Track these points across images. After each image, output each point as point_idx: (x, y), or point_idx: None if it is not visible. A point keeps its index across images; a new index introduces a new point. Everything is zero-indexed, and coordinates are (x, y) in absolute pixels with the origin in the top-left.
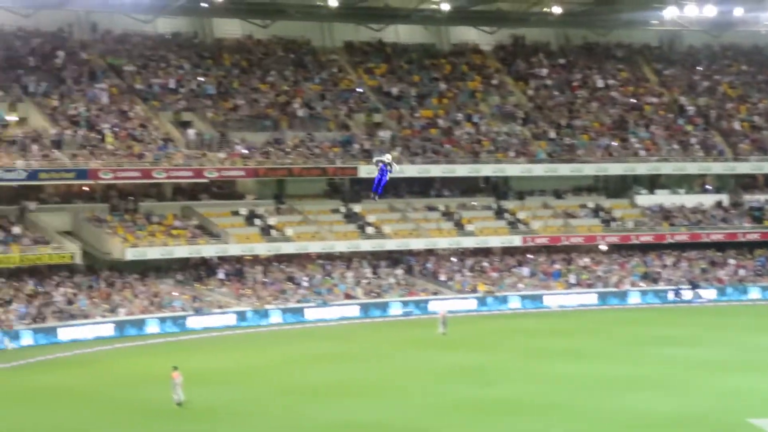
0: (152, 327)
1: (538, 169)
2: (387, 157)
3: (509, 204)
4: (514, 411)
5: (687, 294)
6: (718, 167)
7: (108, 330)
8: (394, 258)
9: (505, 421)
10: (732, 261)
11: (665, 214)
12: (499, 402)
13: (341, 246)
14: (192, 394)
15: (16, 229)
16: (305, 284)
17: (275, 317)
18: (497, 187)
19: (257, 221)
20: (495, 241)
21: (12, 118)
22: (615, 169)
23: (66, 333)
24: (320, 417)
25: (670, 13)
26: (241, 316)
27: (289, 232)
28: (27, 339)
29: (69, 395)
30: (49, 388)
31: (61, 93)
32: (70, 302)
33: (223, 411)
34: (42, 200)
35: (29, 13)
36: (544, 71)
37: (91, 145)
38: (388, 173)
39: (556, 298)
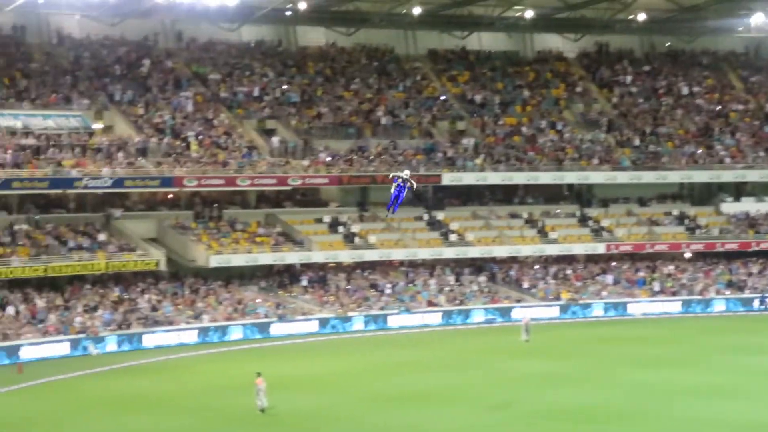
0: (236, 333)
1: (623, 177)
2: (405, 173)
3: (593, 211)
4: (596, 418)
5: None
6: None
7: (192, 336)
8: (477, 265)
9: (588, 428)
10: None
11: (751, 222)
12: (581, 409)
13: (424, 253)
14: (275, 401)
15: (102, 236)
16: (388, 291)
17: (358, 324)
18: (581, 195)
19: (341, 228)
20: (578, 249)
21: (98, 126)
22: (700, 176)
23: (150, 339)
24: (403, 424)
25: (756, 19)
26: (324, 322)
27: (373, 239)
28: (112, 345)
29: (153, 401)
30: (134, 395)
31: (146, 101)
32: (154, 309)
33: (306, 417)
34: (127, 207)
35: (115, 23)
36: (629, 78)
37: (175, 152)
38: (406, 190)
39: (640, 306)
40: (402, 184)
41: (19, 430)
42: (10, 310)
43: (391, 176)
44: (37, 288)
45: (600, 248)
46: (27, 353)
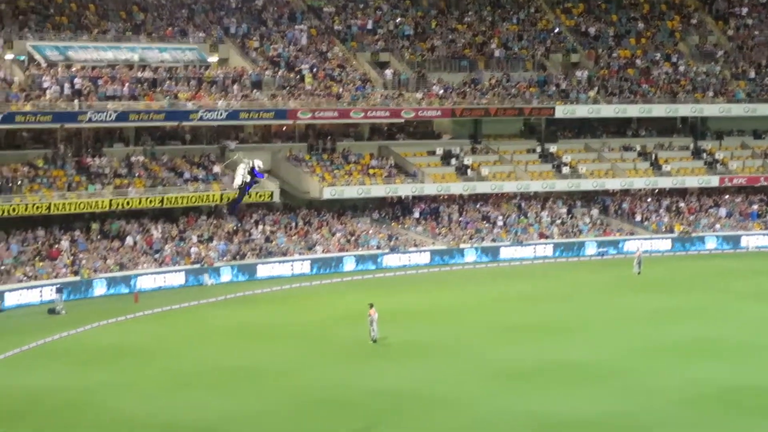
0: (349, 265)
1: (737, 109)
2: (258, 164)
3: (707, 144)
4: (711, 352)
5: None
6: None
7: (305, 267)
8: (589, 198)
9: (703, 362)
10: None
11: None
12: (696, 342)
13: (536, 186)
14: (388, 331)
15: (217, 168)
16: (500, 223)
17: (470, 256)
18: (695, 127)
19: (453, 161)
20: (692, 182)
21: (213, 59)
22: None
23: (264, 270)
24: (519, 357)
25: None
26: (436, 254)
27: (485, 171)
28: (227, 276)
29: (267, 331)
30: (248, 324)
31: (261, 34)
32: (268, 240)
33: (419, 348)
34: (242, 139)
35: None
36: (745, 10)
37: (290, 85)
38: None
39: (754, 239)
40: (249, 181)
41: (136, 358)
42: (128, 240)
43: (241, 170)
44: (153, 219)
45: (713, 181)
46: (143, 283)
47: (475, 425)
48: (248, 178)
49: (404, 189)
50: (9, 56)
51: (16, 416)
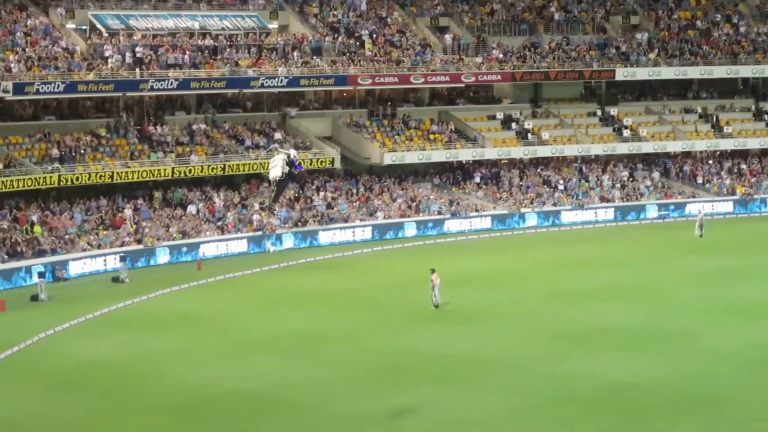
0: (410, 230)
1: None
2: (294, 154)
3: None
4: None
5: None
6: None
7: (367, 233)
8: (650, 161)
9: (765, 323)
10: None
11: None
12: (757, 304)
13: (597, 149)
14: (450, 296)
15: (278, 135)
16: (561, 187)
17: (531, 220)
18: (756, 89)
19: (513, 125)
20: (753, 143)
21: (273, 26)
22: None
23: (326, 236)
24: (581, 320)
25: None
26: (498, 219)
27: (545, 135)
28: (288, 242)
29: (329, 297)
30: (311, 291)
31: (320, 1)
32: (329, 206)
33: (481, 313)
34: (302, 106)
35: None
36: None
37: (349, 51)
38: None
39: None
40: (288, 172)
41: (199, 325)
42: (191, 208)
43: (279, 161)
44: (215, 186)
45: None
46: (206, 250)
47: (534, 387)
48: (287, 169)
49: (465, 154)
50: (71, 26)
51: (81, 384)
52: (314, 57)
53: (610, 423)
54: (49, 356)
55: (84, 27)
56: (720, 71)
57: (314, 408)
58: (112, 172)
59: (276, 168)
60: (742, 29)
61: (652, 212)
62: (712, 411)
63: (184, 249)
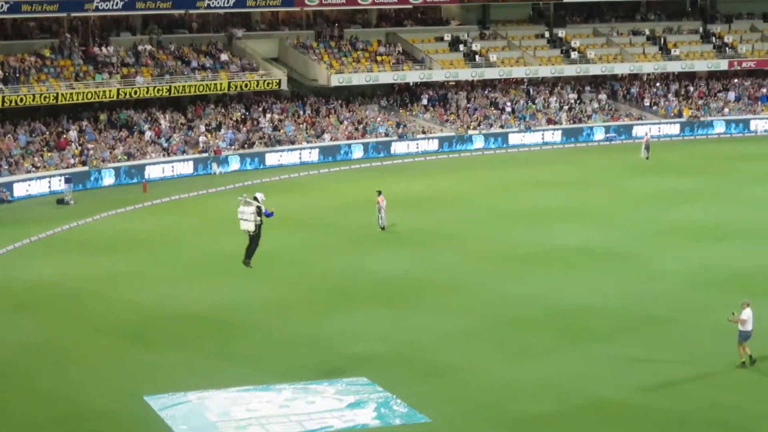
0: (357, 152)
1: None
2: (260, 197)
3: (716, 27)
4: (722, 235)
5: None
6: None
7: (314, 155)
8: (598, 83)
9: (714, 245)
10: None
11: None
12: (705, 227)
13: (545, 71)
14: (396, 219)
15: (224, 56)
16: (508, 110)
17: (478, 142)
18: (704, 11)
19: (461, 47)
20: (701, 66)
21: None
22: None
23: (273, 158)
24: (529, 242)
25: None
26: (445, 141)
27: (493, 57)
28: (235, 164)
29: (276, 220)
30: None
31: None
32: (276, 128)
33: (428, 235)
34: (249, 27)
35: None
36: None
37: None
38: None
39: (763, 123)
40: (260, 223)
41: (145, 247)
42: (135, 130)
43: (251, 208)
44: (161, 108)
45: (723, 65)
46: (152, 173)
47: (485, 309)
48: (259, 220)
49: (412, 76)
50: None
51: (25, 306)
52: None
53: (561, 343)
54: None
55: None
56: None
57: (263, 329)
58: (57, 94)
59: (248, 222)
60: None
61: (599, 134)
62: (658, 332)
63: (130, 171)
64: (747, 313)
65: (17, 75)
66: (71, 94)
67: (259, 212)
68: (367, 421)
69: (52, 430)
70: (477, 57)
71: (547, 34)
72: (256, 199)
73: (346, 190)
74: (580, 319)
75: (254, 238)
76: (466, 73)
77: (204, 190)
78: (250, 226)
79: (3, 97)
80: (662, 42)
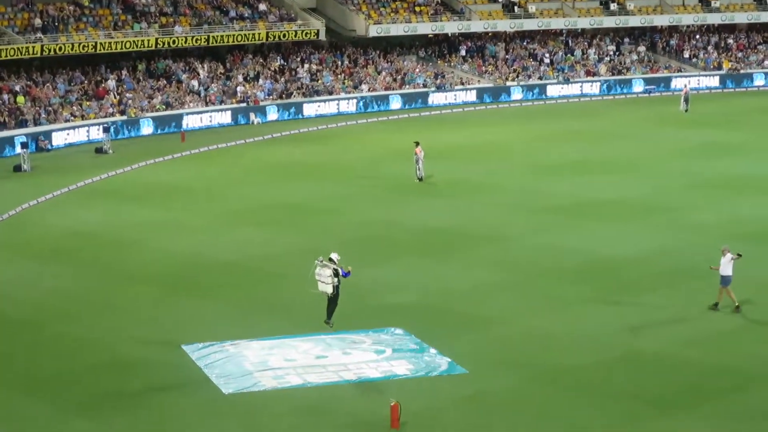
0: (395, 103)
1: None
2: (335, 258)
3: None
4: (758, 189)
5: None
6: None
7: (351, 106)
8: (637, 35)
9: (751, 198)
10: None
11: None
12: (742, 179)
13: (584, 22)
14: (433, 170)
15: (263, 6)
16: (547, 61)
17: (516, 94)
18: None
19: None
20: (741, 18)
21: None
22: None
23: (310, 108)
24: (565, 193)
25: None
26: (483, 92)
27: (532, 8)
28: (273, 114)
29: (314, 169)
30: (295, 163)
31: None
32: (314, 78)
33: (465, 186)
34: None
35: None
36: None
37: None
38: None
39: None
40: (338, 284)
41: (183, 196)
42: (174, 79)
43: (326, 271)
44: (199, 57)
45: (763, 17)
46: (190, 122)
47: (519, 260)
48: (336, 282)
49: (450, 27)
50: None
51: (63, 253)
52: None
53: (597, 295)
54: (34, 226)
55: None
56: None
57: (296, 278)
58: (96, 43)
59: (326, 285)
60: None
61: (637, 86)
62: (695, 284)
63: (168, 120)
64: (725, 259)
65: (56, 24)
66: (110, 43)
67: (336, 274)
68: (404, 372)
69: (87, 377)
70: (516, 8)
71: None
72: (331, 260)
73: (383, 141)
74: (616, 271)
75: (333, 299)
76: (504, 24)
77: (242, 140)
78: (328, 289)
79: (42, 46)
80: None
